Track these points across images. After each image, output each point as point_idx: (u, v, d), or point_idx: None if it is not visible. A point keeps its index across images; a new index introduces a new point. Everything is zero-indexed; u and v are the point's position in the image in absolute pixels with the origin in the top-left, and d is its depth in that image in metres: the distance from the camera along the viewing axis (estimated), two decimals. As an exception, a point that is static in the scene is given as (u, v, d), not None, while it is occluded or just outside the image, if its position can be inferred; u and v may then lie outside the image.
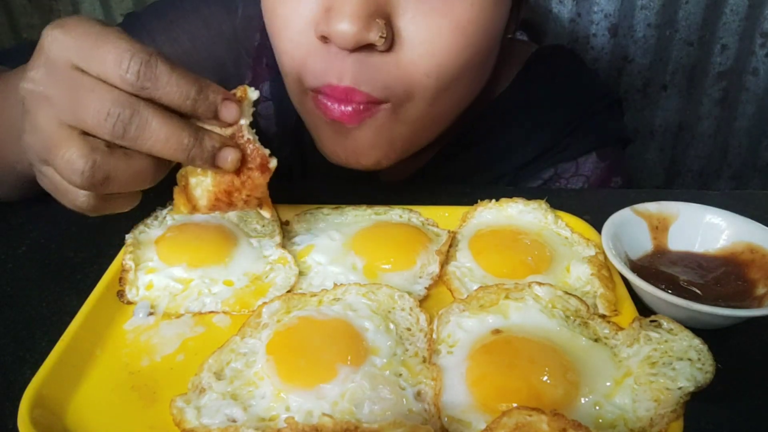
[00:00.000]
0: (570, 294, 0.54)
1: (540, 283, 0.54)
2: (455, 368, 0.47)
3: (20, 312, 0.59)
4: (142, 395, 0.47)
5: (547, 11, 1.68)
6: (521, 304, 0.52)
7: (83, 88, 0.46)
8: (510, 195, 0.70)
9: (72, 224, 0.72)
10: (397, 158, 0.72)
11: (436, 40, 0.61)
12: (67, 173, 0.46)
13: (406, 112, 0.66)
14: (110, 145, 0.47)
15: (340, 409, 0.44)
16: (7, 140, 0.65)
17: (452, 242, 0.65)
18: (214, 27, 0.86)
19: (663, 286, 0.55)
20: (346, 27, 0.57)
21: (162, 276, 0.58)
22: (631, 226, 0.63)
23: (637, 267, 0.60)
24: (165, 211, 0.67)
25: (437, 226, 0.69)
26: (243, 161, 0.52)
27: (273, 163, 0.53)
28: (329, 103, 0.64)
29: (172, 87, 0.46)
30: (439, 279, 0.60)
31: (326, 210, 0.70)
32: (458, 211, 0.70)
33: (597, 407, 0.44)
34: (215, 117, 0.50)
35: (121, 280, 0.58)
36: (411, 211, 0.70)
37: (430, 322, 0.52)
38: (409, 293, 0.55)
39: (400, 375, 0.47)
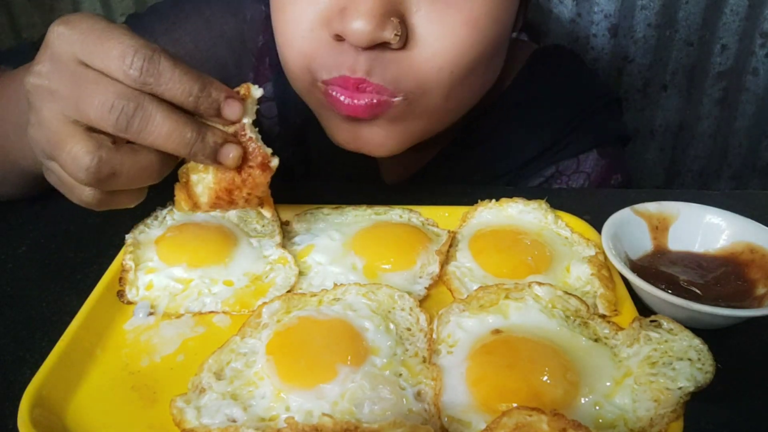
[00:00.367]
0: (570, 294, 0.54)
1: (540, 283, 0.54)
2: (455, 368, 0.47)
3: (20, 312, 0.59)
4: (142, 395, 0.47)
5: (548, 11, 1.68)
6: (521, 304, 0.52)
7: (87, 81, 0.46)
8: (510, 195, 0.70)
9: (72, 224, 0.72)
10: (411, 144, 0.72)
11: (449, 36, 0.62)
12: (73, 169, 0.46)
13: (421, 106, 0.67)
14: (116, 141, 0.47)
15: (340, 409, 0.44)
16: (12, 137, 0.65)
17: (452, 242, 0.65)
18: (216, 28, 0.86)
19: (663, 286, 0.55)
20: (361, 25, 0.58)
21: (162, 276, 0.58)
22: (631, 226, 0.63)
23: (637, 267, 0.60)
24: (165, 211, 0.67)
25: (437, 226, 0.69)
26: (244, 159, 0.52)
27: (274, 162, 0.53)
28: (341, 97, 0.64)
29: (175, 83, 0.47)
30: (439, 279, 0.60)
31: (326, 210, 0.70)
32: (458, 211, 0.70)
33: (597, 407, 0.44)
34: (218, 114, 0.50)
35: (121, 280, 0.58)
36: (411, 211, 0.70)
37: (430, 322, 0.52)
38: (409, 293, 0.55)
39: (400, 375, 0.47)
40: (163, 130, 0.47)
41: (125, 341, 0.53)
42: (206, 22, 0.86)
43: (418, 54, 0.62)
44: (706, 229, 0.63)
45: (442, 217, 0.70)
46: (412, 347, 0.50)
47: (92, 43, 0.46)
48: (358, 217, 0.69)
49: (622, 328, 0.50)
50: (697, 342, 0.45)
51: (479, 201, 0.70)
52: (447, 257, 0.62)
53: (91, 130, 0.47)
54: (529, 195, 0.70)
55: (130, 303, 0.56)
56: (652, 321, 0.48)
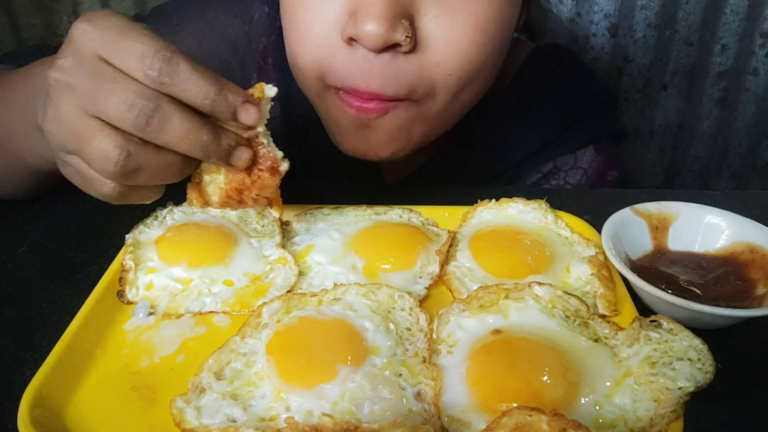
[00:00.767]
0: (570, 294, 0.54)
1: (540, 283, 0.54)
2: (455, 368, 0.47)
3: (20, 312, 0.59)
4: (142, 395, 0.47)
5: (547, 11, 1.68)
6: (521, 304, 0.52)
7: (108, 79, 0.46)
8: (510, 195, 0.70)
9: (72, 224, 0.72)
10: (412, 150, 0.74)
11: (457, 38, 0.64)
12: (100, 162, 0.47)
13: (428, 109, 0.69)
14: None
15: (340, 409, 0.44)
16: (20, 133, 0.65)
17: (452, 242, 0.65)
18: (220, 29, 0.87)
19: (663, 286, 0.55)
20: (373, 28, 0.59)
21: (162, 276, 0.58)
22: (631, 226, 0.63)
23: (637, 267, 0.60)
24: (165, 211, 0.67)
25: (437, 226, 0.69)
26: (254, 162, 0.53)
27: (284, 166, 0.54)
28: (353, 101, 0.67)
29: (192, 85, 0.47)
30: (439, 279, 0.60)
31: (326, 210, 0.70)
32: (458, 211, 0.70)
33: (597, 407, 0.44)
34: (234, 119, 0.50)
35: (121, 280, 0.58)
36: (411, 211, 0.70)
37: (430, 322, 0.52)
38: (409, 293, 0.55)
39: (400, 375, 0.47)
40: (180, 131, 0.47)
41: (125, 341, 0.53)
42: (210, 23, 0.87)
43: (427, 56, 0.64)
44: (706, 229, 0.63)
45: (442, 217, 0.70)
46: (412, 347, 0.50)
47: (113, 41, 0.47)
48: (358, 217, 0.69)
49: (622, 328, 0.50)
50: (697, 342, 0.45)
51: (479, 201, 0.70)
52: (447, 257, 0.62)
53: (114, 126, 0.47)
54: (529, 195, 0.70)
55: (130, 303, 0.56)
56: (652, 321, 0.48)
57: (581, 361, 0.47)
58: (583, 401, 0.44)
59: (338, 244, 0.63)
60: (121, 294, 0.57)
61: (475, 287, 0.55)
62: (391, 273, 0.60)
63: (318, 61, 0.67)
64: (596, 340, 0.50)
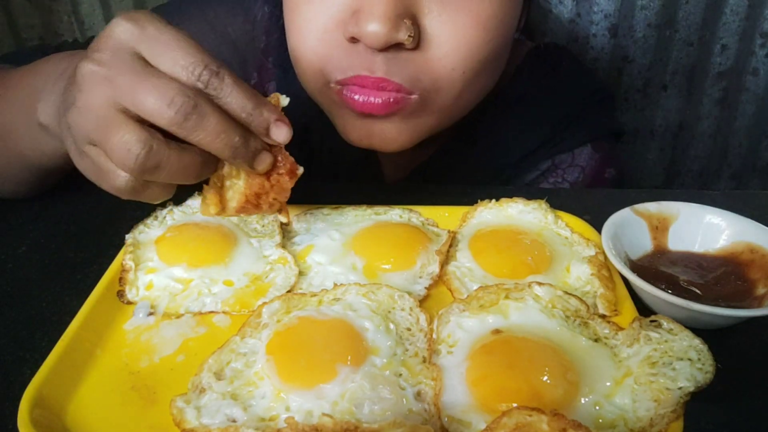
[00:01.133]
0: (570, 294, 0.54)
1: (540, 283, 0.54)
2: (455, 368, 0.47)
3: (20, 312, 0.59)
4: (142, 395, 0.47)
5: (547, 11, 1.68)
6: (521, 304, 0.52)
7: (150, 75, 0.47)
8: (510, 195, 0.70)
9: (72, 224, 0.72)
10: (419, 141, 0.75)
11: (460, 36, 0.64)
12: (121, 155, 0.47)
13: (435, 103, 0.69)
14: (165, 136, 0.48)
15: (340, 409, 0.44)
16: (22, 129, 0.65)
17: (452, 242, 0.65)
18: (220, 29, 0.88)
19: (663, 286, 0.55)
20: (376, 28, 0.60)
21: (162, 276, 0.58)
22: (631, 226, 0.63)
23: (637, 267, 0.60)
24: (165, 211, 0.67)
25: (437, 226, 0.69)
26: (274, 166, 0.55)
27: (300, 170, 0.56)
28: (356, 96, 0.66)
29: (234, 98, 0.49)
30: (439, 279, 0.60)
31: (326, 210, 0.70)
32: (458, 211, 0.70)
33: (597, 407, 0.44)
34: (266, 134, 0.52)
35: (121, 280, 0.58)
36: (411, 211, 0.70)
37: (430, 322, 0.52)
38: (409, 293, 0.55)
39: (400, 375, 0.47)
40: (214, 130, 0.48)
41: (125, 341, 0.53)
42: (210, 23, 0.88)
43: (431, 54, 0.65)
44: (706, 229, 0.63)
45: (442, 217, 0.70)
46: (412, 347, 0.50)
47: (161, 47, 0.48)
48: (358, 217, 0.69)
49: (622, 328, 0.50)
50: (697, 342, 0.45)
51: (479, 201, 0.70)
52: (447, 257, 0.62)
53: (140, 121, 0.48)
54: (529, 195, 0.70)
55: (130, 303, 0.56)
56: (652, 321, 0.48)
57: (581, 361, 0.47)
58: (583, 401, 0.44)
59: (338, 244, 0.63)
60: (121, 294, 0.57)
61: (475, 287, 0.55)
62: (391, 273, 0.60)
63: (319, 56, 0.67)
64: (596, 340, 0.50)
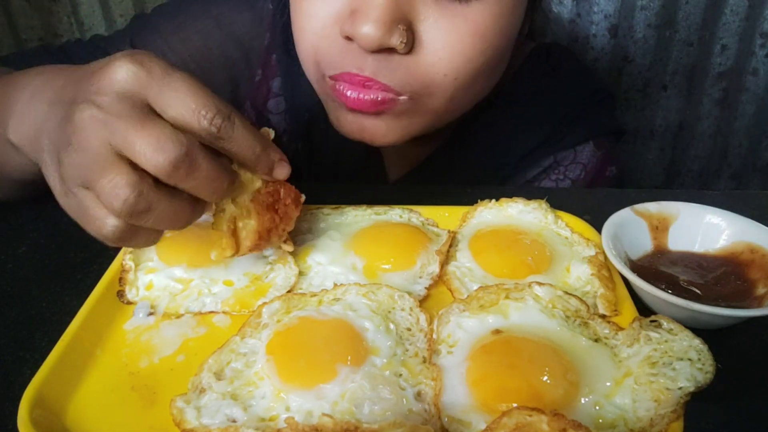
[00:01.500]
0: (570, 294, 0.54)
1: (540, 283, 0.54)
2: (455, 368, 0.47)
3: (20, 312, 0.59)
4: (142, 395, 0.47)
5: (547, 11, 1.68)
6: (521, 304, 0.52)
7: (146, 122, 0.46)
8: (510, 195, 0.70)
9: (72, 224, 0.72)
10: (411, 138, 0.75)
11: (455, 45, 0.65)
12: (110, 197, 0.46)
13: (425, 106, 0.70)
14: (156, 181, 0.48)
15: (340, 409, 0.44)
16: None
17: (452, 242, 0.65)
18: (224, 26, 0.89)
19: (663, 286, 0.55)
20: (369, 30, 0.60)
21: (162, 276, 0.58)
22: (631, 226, 0.63)
23: (637, 267, 0.60)
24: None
25: (437, 226, 0.69)
26: (279, 198, 0.57)
27: (303, 197, 0.59)
28: (348, 92, 0.67)
29: (244, 140, 0.50)
30: (439, 279, 0.60)
31: (326, 210, 0.70)
32: (458, 211, 0.70)
33: (597, 407, 0.44)
34: (270, 173, 0.54)
35: (121, 280, 0.58)
36: (411, 211, 0.70)
37: (430, 322, 0.52)
38: (409, 293, 0.55)
39: (400, 375, 0.47)
40: (206, 178, 0.48)
41: (125, 341, 0.53)
42: (215, 20, 0.89)
43: (424, 60, 0.65)
44: (706, 229, 0.63)
45: (442, 217, 0.70)
46: (412, 347, 0.50)
47: (170, 91, 0.47)
48: (358, 217, 0.69)
49: (622, 328, 0.50)
50: (697, 342, 0.45)
51: (479, 201, 0.70)
52: (447, 257, 0.62)
53: (133, 166, 0.47)
54: (529, 195, 0.70)
55: (130, 303, 0.56)
56: (652, 321, 0.48)
57: (581, 361, 0.47)
58: (583, 401, 0.44)
59: (338, 244, 0.63)
60: (121, 294, 0.57)
61: (475, 287, 0.55)
62: (391, 273, 0.60)
63: (316, 50, 0.69)
64: (596, 340, 0.50)
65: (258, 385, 0.47)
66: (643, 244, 0.63)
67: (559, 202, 0.70)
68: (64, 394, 0.46)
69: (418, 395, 0.46)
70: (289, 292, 0.57)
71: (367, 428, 0.41)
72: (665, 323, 0.48)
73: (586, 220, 0.67)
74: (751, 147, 1.85)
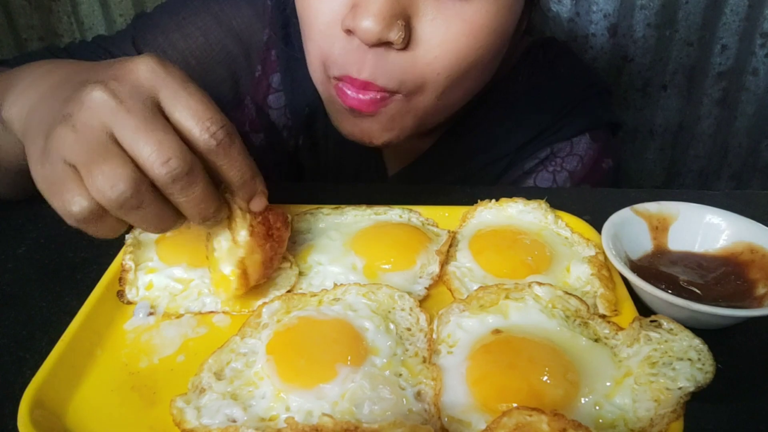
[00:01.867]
0: (570, 294, 0.54)
1: (540, 283, 0.54)
2: (455, 368, 0.47)
3: (20, 312, 0.59)
4: (142, 395, 0.47)
5: (545, 10, 1.68)
6: (521, 304, 0.52)
7: (157, 127, 0.46)
8: (510, 195, 0.70)
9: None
10: (406, 137, 0.77)
11: (451, 42, 0.66)
12: (104, 185, 0.45)
13: (417, 103, 0.72)
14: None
15: (340, 409, 0.44)
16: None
17: (452, 242, 0.65)
18: (225, 22, 0.90)
19: (663, 286, 0.55)
20: (369, 24, 0.62)
21: (162, 276, 0.58)
22: (631, 226, 0.63)
23: (637, 267, 0.60)
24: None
25: (437, 226, 0.69)
26: (270, 224, 0.57)
27: (290, 217, 0.60)
28: (349, 92, 0.69)
29: (238, 163, 0.50)
30: (439, 279, 0.60)
31: (326, 210, 0.70)
32: (458, 211, 0.70)
33: (597, 407, 0.44)
34: (248, 202, 0.54)
35: (121, 280, 0.58)
36: (411, 211, 0.70)
37: (430, 322, 0.52)
38: (409, 293, 0.55)
39: (400, 375, 0.47)
40: (197, 198, 0.49)
41: (125, 341, 0.53)
42: (215, 17, 0.90)
43: (419, 55, 0.67)
44: (706, 229, 0.63)
45: (442, 217, 0.70)
46: (412, 347, 0.50)
47: (184, 93, 0.48)
48: (358, 217, 0.69)
49: (622, 328, 0.50)
50: (697, 342, 0.45)
51: (479, 201, 0.70)
52: (447, 257, 0.62)
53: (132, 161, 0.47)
54: (529, 195, 0.71)
55: (130, 303, 0.56)
56: (652, 321, 0.48)
57: (581, 361, 0.47)
58: (583, 401, 0.44)
59: (338, 244, 0.63)
60: (121, 294, 0.57)
61: (475, 287, 0.55)
62: (391, 273, 0.60)
63: (321, 48, 0.70)
64: (596, 340, 0.50)
65: (258, 385, 0.47)
66: (643, 244, 0.63)
67: (559, 202, 0.70)
68: (65, 395, 0.46)
69: (418, 395, 0.46)
70: (289, 292, 0.57)
71: (367, 428, 0.41)
72: (665, 323, 0.48)
73: (586, 220, 0.68)
74: (751, 147, 1.85)
